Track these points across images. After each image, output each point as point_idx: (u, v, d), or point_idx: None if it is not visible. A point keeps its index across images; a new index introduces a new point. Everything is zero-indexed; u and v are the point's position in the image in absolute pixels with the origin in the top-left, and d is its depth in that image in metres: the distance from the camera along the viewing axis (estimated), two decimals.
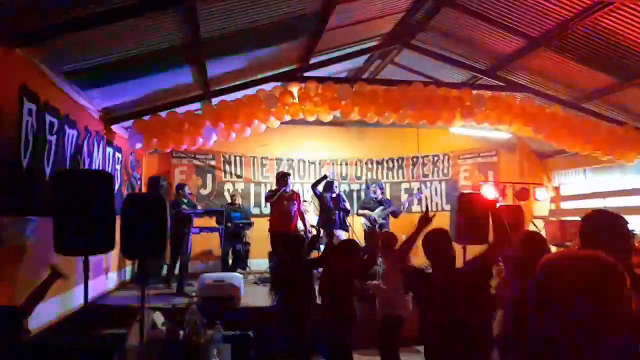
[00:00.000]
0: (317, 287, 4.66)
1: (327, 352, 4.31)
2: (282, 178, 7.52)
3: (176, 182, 9.02)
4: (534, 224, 9.10)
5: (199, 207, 8.22)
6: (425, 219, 3.50)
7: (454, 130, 8.78)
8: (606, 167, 8.56)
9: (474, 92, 7.10)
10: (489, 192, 8.80)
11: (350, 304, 4.36)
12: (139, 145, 6.58)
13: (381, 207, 8.35)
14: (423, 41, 7.24)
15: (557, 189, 9.66)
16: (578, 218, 7.93)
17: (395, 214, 8.41)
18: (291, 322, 4.55)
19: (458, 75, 7.95)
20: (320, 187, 8.01)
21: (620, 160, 7.54)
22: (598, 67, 6.38)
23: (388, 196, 9.79)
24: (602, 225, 2.41)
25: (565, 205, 9.62)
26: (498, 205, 8.71)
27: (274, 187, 7.98)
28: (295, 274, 4.61)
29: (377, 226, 8.23)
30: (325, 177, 8.17)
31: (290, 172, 9.59)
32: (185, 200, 7.79)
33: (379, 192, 8.63)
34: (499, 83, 7.43)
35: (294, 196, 7.59)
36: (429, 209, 3.89)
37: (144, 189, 8.32)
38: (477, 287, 3.04)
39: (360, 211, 8.56)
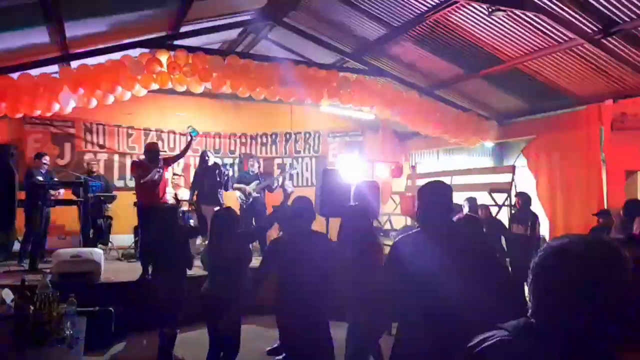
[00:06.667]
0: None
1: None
2: (155, 152, 6.92)
3: (29, 150, 8.40)
4: (392, 199, 9.92)
5: (57, 179, 7.65)
6: None
7: (324, 109, 9.15)
8: (455, 149, 9.72)
9: (341, 74, 7.48)
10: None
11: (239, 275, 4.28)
12: None
13: (256, 182, 8.47)
14: (296, 20, 7.42)
15: (413, 167, 10.61)
16: None
17: (270, 189, 8.56)
18: (168, 294, 4.53)
19: (327, 57, 8.26)
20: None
21: (465, 144, 8.52)
22: (448, 58, 7.08)
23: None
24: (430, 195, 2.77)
25: (419, 182, 10.62)
26: (360, 181, 9.26)
27: (141, 158, 7.57)
28: (170, 246, 4.63)
29: (251, 200, 8.35)
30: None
31: (159, 143, 9.27)
32: (43, 171, 7.28)
33: (256, 166, 8.70)
34: (363, 67, 7.92)
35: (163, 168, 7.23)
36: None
37: None
38: None
39: (236, 185, 8.56)
